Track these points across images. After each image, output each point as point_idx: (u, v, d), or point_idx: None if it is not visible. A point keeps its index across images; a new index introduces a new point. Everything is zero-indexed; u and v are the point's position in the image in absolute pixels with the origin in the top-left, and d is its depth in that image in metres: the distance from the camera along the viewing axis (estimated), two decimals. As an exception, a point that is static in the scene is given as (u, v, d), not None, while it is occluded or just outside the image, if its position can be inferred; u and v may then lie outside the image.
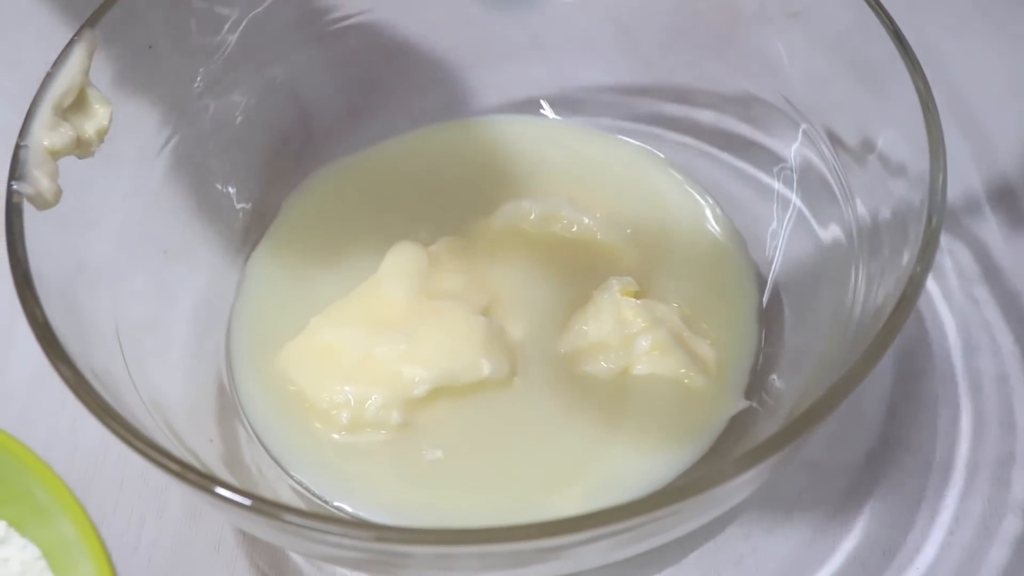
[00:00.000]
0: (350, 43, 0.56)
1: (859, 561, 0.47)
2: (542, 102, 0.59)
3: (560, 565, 0.41)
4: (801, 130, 0.51)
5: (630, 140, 0.57)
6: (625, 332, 0.48)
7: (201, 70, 0.52)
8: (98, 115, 0.45)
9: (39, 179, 0.43)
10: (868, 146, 0.47)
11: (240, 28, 0.53)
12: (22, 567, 0.41)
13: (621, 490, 0.45)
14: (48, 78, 0.44)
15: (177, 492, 0.49)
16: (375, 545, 0.36)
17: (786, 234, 0.52)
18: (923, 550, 0.47)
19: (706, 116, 0.56)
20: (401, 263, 0.51)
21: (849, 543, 0.47)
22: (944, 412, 0.50)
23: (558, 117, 0.59)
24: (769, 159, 0.53)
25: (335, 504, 0.46)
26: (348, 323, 0.49)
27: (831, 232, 0.49)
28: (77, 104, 0.45)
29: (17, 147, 0.43)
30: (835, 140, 0.50)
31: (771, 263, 0.52)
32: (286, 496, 0.46)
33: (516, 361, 0.49)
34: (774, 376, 0.49)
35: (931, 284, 0.54)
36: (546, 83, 0.59)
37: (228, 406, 0.49)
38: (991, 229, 0.55)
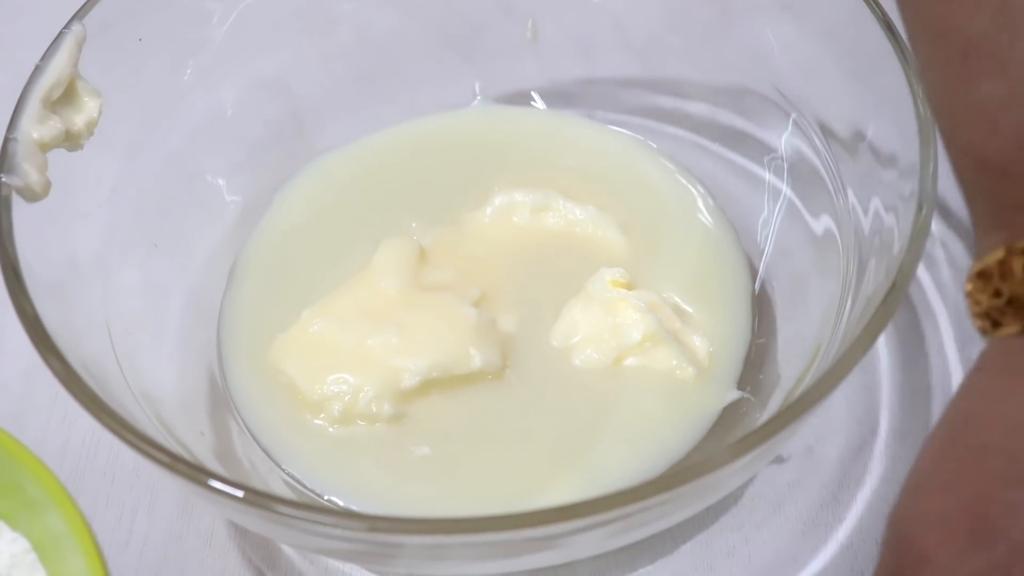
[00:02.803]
0: (340, 35, 0.56)
1: (852, 551, 0.47)
2: (534, 94, 0.59)
3: (552, 555, 0.41)
4: (792, 120, 0.52)
5: (622, 131, 0.57)
6: (616, 323, 0.48)
7: (191, 63, 0.52)
8: (87, 107, 0.45)
9: (28, 172, 0.42)
10: (859, 136, 0.47)
11: (229, 21, 0.53)
12: (12, 560, 0.41)
13: (613, 482, 0.45)
14: (37, 71, 0.44)
15: (169, 486, 0.49)
16: (367, 535, 0.36)
17: (777, 224, 0.52)
18: (915, 540, 0.47)
19: (698, 107, 0.56)
20: (393, 256, 0.51)
21: (841, 533, 0.47)
22: (936, 402, 0.50)
23: (550, 109, 0.58)
24: (760, 149, 0.53)
25: (327, 497, 0.46)
26: (340, 316, 0.49)
27: (822, 222, 0.49)
28: (66, 97, 0.45)
29: (6, 140, 0.43)
30: (826, 130, 0.50)
31: (762, 253, 0.52)
32: (278, 489, 0.46)
33: (508, 353, 0.49)
34: (766, 366, 0.49)
35: (924, 274, 0.53)
36: (538, 75, 0.59)
37: (219, 399, 0.49)
38: (983, 219, 0.55)
